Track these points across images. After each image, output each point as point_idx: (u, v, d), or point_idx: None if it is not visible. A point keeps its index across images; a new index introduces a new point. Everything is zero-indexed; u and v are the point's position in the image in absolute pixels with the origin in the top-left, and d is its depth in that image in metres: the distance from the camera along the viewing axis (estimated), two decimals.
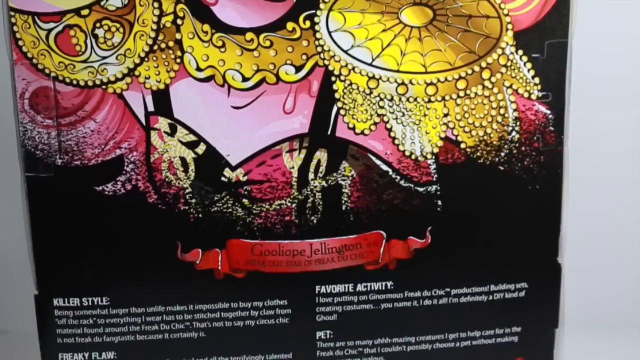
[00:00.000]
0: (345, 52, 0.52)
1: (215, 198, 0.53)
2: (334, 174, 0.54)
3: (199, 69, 0.51)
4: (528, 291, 0.57)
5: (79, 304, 0.54)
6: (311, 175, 0.53)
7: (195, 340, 0.55)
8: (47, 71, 0.50)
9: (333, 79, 0.52)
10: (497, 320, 0.58)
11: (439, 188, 0.54)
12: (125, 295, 0.54)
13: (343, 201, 0.54)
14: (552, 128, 0.54)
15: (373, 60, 0.52)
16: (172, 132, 0.52)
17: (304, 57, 0.52)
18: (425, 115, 0.53)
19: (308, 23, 0.51)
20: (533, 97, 0.54)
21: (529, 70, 0.53)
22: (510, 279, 0.57)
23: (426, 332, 0.57)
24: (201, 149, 0.52)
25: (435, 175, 0.54)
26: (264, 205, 0.53)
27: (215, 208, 0.53)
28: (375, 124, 0.53)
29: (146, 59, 0.51)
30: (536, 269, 0.57)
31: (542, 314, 0.58)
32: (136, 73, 0.51)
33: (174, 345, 0.56)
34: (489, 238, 0.56)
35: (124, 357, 0.55)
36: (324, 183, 0.54)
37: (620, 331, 0.83)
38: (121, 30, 0.50)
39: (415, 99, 0.53)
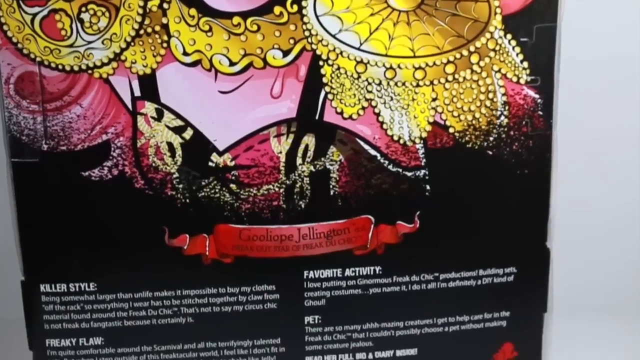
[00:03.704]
0: (333, 36, 0.53)
1: (203, 183, 0.54)
2: (322, 159, 0.55)
3: (185, 54, 0.52)
4: (517, 276, 0.58)
5: (66, 290, 0.55)
6: (299, 160, 0.54)
7: (183, 325, 0.57)
8: (32, 56, 0.51)
9: (321, 63, 0.53)
10: (486, 305, 0.59)
11: (427, 173, 0.55)
12: (113, 280, 0.55)
13: (331, 186, 0.55)
14: (540, 112, 0.55)
15: (361, 44, 0.53)
16: (159, 117, 0.53)
17: (292, 41, 0.52)
18: (413, 99, 0.54)
19: (295, 7, 0.52)
20: (522, 81, 0.55)
21: (517, 55, 0.54)
22: (498, 264, 0.58)
23: (415, 317, 0.59)
24: (188, 134, 0.53)
25: (424, 160, 0.55)
26: (251, 190, 0.54)
27: (203, 193, 0.54)
28: (363, 108, 0.54)
29: (132, 44, 0.52)
30: (525, 253, 0.58)
31: (531, 298, 0.59)
32: (122, 57, 0.52)
33: (162, 331, 0.57)
34: (478, 223, 0.57)
35: (111, 343, 0.57)
36: (311, 168, 0.55)
37: (609, 316, 0.84)
38: (107, 14, 0.51)
39: (403, 84, 0.54)
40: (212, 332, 0.57)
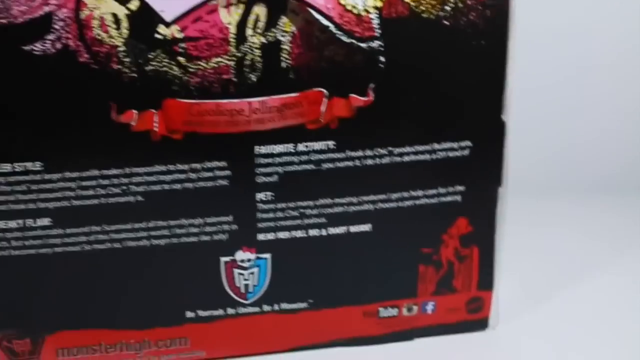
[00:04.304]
0: None
1: (150, 56, 0.53)
2: (273, 30, 0.53)
3: None
4: (472, 149, 0.58)
5: (11, 170, 0.54)
6: (249, 32, 0.53)
7: (132, 204, 0.56)
8: None
9: None
10: (441, 180, 0.59)
11: (381, 44, 0.55)
12: (59, 159, 0.54)
13: (283, 58, 0.54)
14: None
15: None
16: None
17: None
18: None
19: None
20: None
21: None
22: (454, 137, 0.58)
23: (368, 192, 0.58)
24: (134, 4, 0.52)
25: (378, 31, 0.54)
26: (200, 63, 0.53)
27: (150, 67, 0.53)
28: None
29: None
30: (480, 126, 0.58)
31: (486, 172, 0.60)
32: None
33: (111, 210, 0.56)
34: (433, 95, 0.57)
35: (59, 223, 0.56)
36: (262, 39, 0.53)
37: (565, 194, 0.85)
38: None
39: None
40: (163, 210, 0.57)
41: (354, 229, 0.59)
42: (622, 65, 0.86)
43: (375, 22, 0.54)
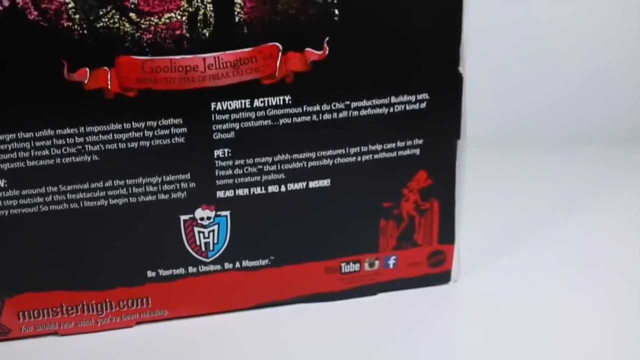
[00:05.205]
0: None
1: (101, 12, 0.52)
2: None
3: None
4: (429, 102, 0.58)
5: None
6: None
7: (88, 163, 0.55)
8: None
9: None
10: (399, 133, 0.59)
11: None
12: (12, 119, 0.54)
13: (236, 12, 0.53)
14: None
15: None
16: None
17: None
18: None
19: None
20: None
21: None
22: (411, 90, 0.58)
23: (327, 147, 0.58)
24: None
25: None
26: (152, 18, 0.52)
27: (101, 23, 0.52)
28: None
29: None
30: (437, 79, 0.58)
31: (444, 125, 0.59)
32: None
33: (67, 170, 0.55)
34: (389, 48, 0.56)
35: (15, 185, 0.55)
36: None
37: (525, 147, 0.85)
38: None
39: None
40: (119, 169, 0.56)
41: (313, 184, 0.59)
42: (588, 12, 0.86)
43: None
